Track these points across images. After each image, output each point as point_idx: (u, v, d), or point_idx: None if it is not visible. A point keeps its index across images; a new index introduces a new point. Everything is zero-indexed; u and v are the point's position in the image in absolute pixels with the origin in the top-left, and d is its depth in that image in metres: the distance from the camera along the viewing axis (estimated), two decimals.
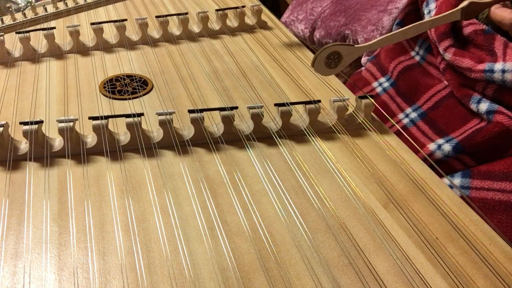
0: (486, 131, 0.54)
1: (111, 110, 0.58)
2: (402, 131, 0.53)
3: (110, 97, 0.61)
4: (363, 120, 0.54)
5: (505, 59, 0.54)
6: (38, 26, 0.77)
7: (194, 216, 0.43)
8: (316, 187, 0.46)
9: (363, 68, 0.79)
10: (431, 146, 0.58)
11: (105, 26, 0.73)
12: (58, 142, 0.51)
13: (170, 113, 0.51)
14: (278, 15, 0.90)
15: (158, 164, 0.49)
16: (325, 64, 0.51)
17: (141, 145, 0.50)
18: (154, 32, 0.76)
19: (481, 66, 0.55)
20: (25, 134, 0.49)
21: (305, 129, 0.54)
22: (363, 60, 0.83)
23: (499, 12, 0.50)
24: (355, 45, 0.52)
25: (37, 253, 0.40)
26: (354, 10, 0.87)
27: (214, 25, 0.78)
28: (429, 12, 0.65)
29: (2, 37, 0.69)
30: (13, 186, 0.46)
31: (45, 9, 0.84)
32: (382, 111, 0.54)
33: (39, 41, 0.72)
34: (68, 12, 0.86)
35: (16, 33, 0.70)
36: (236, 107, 0.53)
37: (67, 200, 0.44)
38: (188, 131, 0.52)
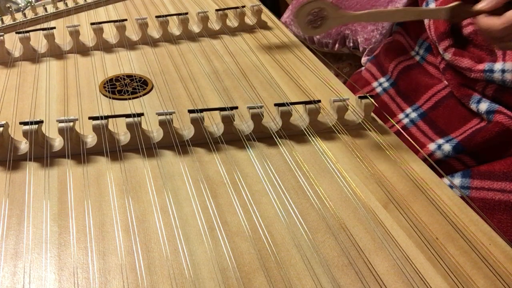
0: (486, 131, 0.54)
1: (111, 110, 0.58)
2: (402, 131, 0.53)
3: (110, 97, 0.61)
4: (363, 120, 0.54)
5: (504, 59, 0.54)
6: (38, 26, 0.77)
7: (194, 216, 0.43)
8: (316, 187, 0.46)
9: (363, 68, 0.79)
10: (431, 146, 0.58)
11: (105, 26, 0.73)
12: (58, 142, 0.51)
13: (170, 113, 0.51)
14: (278, 15, 0.89)
15: (158, 164, 0.49)
16: (308, 20, 0.50)
17: (141, 145, 0.50)
18: (154, 32, 0.76)
19: (480, 66, 0.55)
20: (25, 134, 0.48)
21: (305, 129, 0.54)
22: (363, 60, 0.83)
23: (486, 21, 0.47)
24: (340, 10, 0.51)
25: (37, 253, 0.40)
26: (354, 10, 0.87)
27: (214, 25, 0.78)
28: None
29: (2, 37, 0.69)
30: (13, 186, 0.46)
31: (45, 9, 0.84)
32: (382, 111, 0.54)
33: (39, 41, 0.72)
34: (68, 12, 0.86)
35: (16, 33, 0.70)
36: (236, 107, 0.53)
37: (67, 200, 0.44)
38: (188, 131, 0.52)
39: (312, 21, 0.49)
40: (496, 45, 0.50)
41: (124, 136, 0.52)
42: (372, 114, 0.56)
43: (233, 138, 0.52)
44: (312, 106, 0.53)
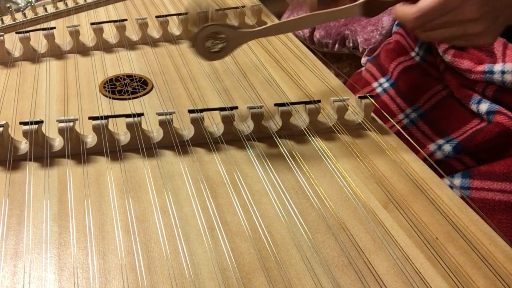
0: (486, 131, 0.54)
1: (111, 110, 0.58)
2: (402, 131, 0.53)
3: (110, 97, 0.61)
4: (363, 120, 0.54)
5: (504, 60, 0.54)
6: (38, 26, 0.77)
7: (194, 216, 0.43)
8: (316, 187, 0.46)
9: (363, 68, 0.79)
10: (432, 147, 0.58)
11: (105, 26, 0.73)
12: (58, 142, 0.51)
13: (170, 113, 0.51)
14: (278, 15, 0.90)
15: (158, 164, 0.49)
16: (206, 46, 0.48)
17: (141, 145, 0.50)
18: (154, 32, 0.76)
19: (480, 67, 0.55)
20: (25, 134, 0.48)
21: (305, 129, 0.54)
22: (363, 60, 0.83)
23: (401, 10, 0.44)
24: (240, 30, 0.48)
25: (37, 253, 0.40)
26: None
27: None
28: None
29: (2, 37, 0.69)
30: (13, 186, 0.46)
31: (45, 9, 0.84)
32: (382, 111, 0.54)
33: (39, 41, 0.72)
34: (68, 12, 0.85)
35: (16, 33, 0.70)
36: (236, 107, 0.53)
37: (67, 200, 0.44)
38: (188, 131, 0.52)
39: (211, 46, 0.48)
40: (418, 36, 0.48)
41: (124, 136, 0.52)
42: (372, 114, 0.56)
43: (233, 138, 0.52)
44: (312, 106, 0.53)
